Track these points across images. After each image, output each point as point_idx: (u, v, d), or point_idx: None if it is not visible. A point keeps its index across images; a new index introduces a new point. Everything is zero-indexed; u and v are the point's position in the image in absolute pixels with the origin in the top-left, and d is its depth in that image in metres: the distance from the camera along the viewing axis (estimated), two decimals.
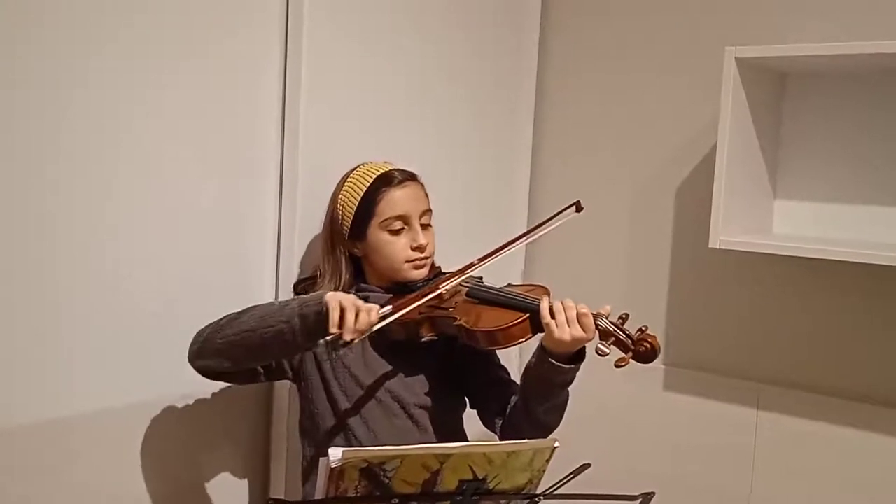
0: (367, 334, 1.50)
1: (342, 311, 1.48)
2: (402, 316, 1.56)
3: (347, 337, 1.46)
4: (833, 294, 2.05)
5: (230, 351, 1.60)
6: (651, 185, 2.29)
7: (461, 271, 1.68)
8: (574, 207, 1.72)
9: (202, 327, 1.63)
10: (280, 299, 1.90)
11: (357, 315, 1.48)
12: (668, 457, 2.24)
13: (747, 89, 1.93)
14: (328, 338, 1.47)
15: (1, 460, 1.54)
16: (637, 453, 2.29)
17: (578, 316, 1.53)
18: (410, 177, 1.75)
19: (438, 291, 1.64)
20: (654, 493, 1.36)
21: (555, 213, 1.73)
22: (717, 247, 1.93)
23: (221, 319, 1.62)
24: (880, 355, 2.00)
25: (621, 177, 2.34)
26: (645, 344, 1.51)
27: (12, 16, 1.48)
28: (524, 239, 1.75)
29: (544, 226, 1.73)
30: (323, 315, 1.49)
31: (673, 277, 2.28)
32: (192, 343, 1.63)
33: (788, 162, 2.10)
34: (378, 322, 1.51)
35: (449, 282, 1.66)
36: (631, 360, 1.52)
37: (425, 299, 1.60)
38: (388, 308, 1.55)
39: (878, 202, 1.99)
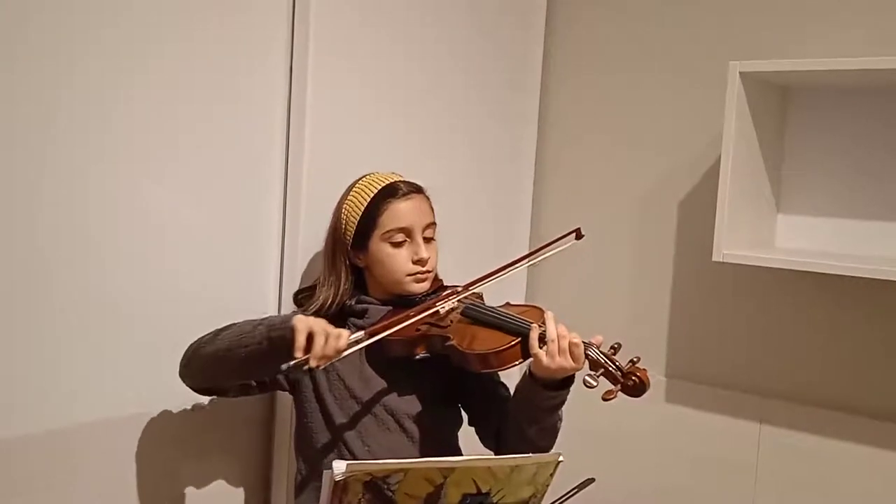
0: (333, 360, 1.47)
1: (310, 335, 1.45)
2: (375, 341, 1.53)
3: (314, 363, 1.43)
4: (836, 308, 2.04)
5: (212, 369, 1.59)
6: (655, 199, 2.30)
7: (460, 289, 1.67)
8: (574, 235, 1.71)
9: (192, 342, 1.62)
10: (283, 311, 1.90)
11: (326, 340, 1.45)
12: (670, 471, 2.24)
13: (751, 104, 1.93)
14: (291, 363, 1.43)
15: None
16: (640, 467, 2.28)
17: (570, 346, 1.50)
18: (416, 189, 1.73)
19: (422, 315, 1.60)
20: None
21: (555, 238, 1.72)
22: (721, 260, 1.93)
23: (204, 337, 1.61)
24: (883, 369, 1.99)
25: (625, 190, 2.34)
26: (633, 378, 1.46)
27: (5, 12, 1.47)
28: (523, 262, 1.73)
29: (544, 251, 1.73)
30: (288, 339, 1.46)
31: (676, 290, 2.28)
32: (181, 360, 1.63)
33: (792, 176, 2.10)
34: (347, 348, 1.47)
35: (445, 300, 1.65)
36: (619, 394, 1.47)
37: (400, 326, 1.56)
38: (360, 334, 1.51)
39: (882, 216, 1.99)
